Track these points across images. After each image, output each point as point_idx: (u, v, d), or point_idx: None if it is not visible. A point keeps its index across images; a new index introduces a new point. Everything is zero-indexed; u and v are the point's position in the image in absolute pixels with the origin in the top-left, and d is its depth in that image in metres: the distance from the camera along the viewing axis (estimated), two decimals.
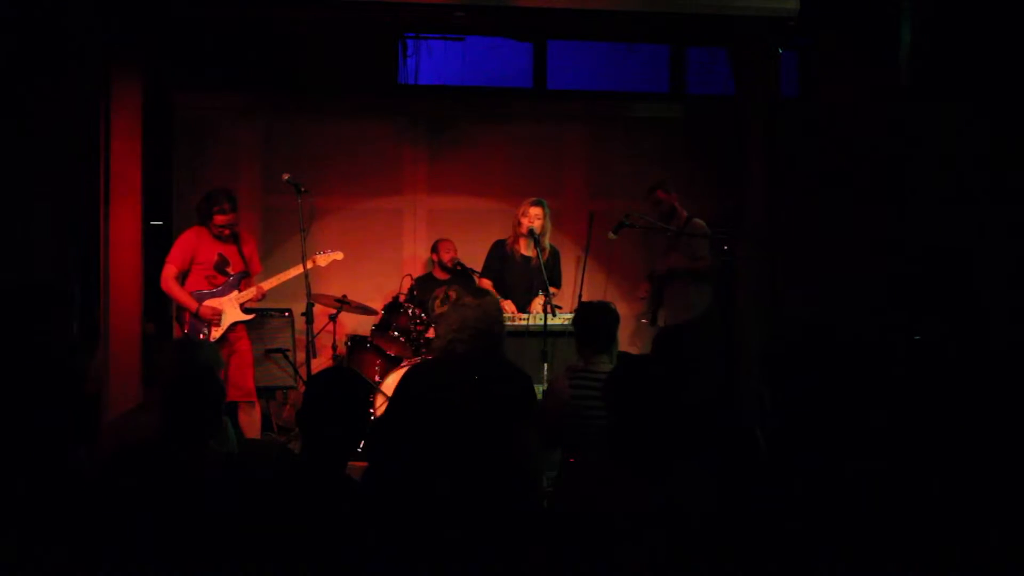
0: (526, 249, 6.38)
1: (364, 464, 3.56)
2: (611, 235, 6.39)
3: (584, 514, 2.80)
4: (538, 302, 6.12)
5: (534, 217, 6.26)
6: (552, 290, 6.12)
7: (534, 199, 6.35)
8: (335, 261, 6.44)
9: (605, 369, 4.28)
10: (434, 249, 7.48)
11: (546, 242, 6.36)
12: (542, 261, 6.16)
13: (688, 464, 2.87)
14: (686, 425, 3.03)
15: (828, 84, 6.30)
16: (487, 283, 6.50)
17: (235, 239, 6.07)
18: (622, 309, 7.05)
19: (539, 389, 5.62)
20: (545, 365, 5.63)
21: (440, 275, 7.36)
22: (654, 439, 2.87)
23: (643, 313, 6.88)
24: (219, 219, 5.92)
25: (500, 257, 6.48)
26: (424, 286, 7.29)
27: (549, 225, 6.36)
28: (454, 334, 4.10)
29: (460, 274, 7.25)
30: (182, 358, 4.01)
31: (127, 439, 3.44)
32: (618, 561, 2.69)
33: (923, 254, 5.56)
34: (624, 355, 6.79)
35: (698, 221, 6.63)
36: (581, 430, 4.17)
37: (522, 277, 6.38)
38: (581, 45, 8.59)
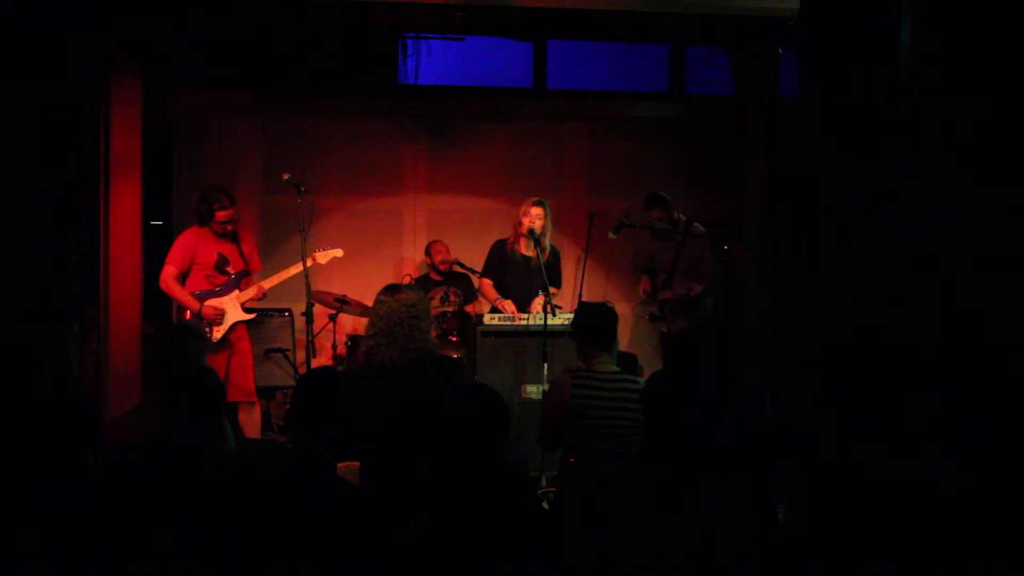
0: (526, 249, 6.38)
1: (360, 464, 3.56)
2: (611, 235, 6.39)
3: (603, 520, 2.78)
4: (538, 302, 6.11)
5: (535, 217, 6.25)
6: (552, 290, 6.12)
7: (535, 199, 6.35)
8: (335, 258, 6.44)
9: (606, 370, 4.28)
10: (427, 252, 7.48)
11: (546, 242, 6.36)
12: (542, 261, 6.16)
13: (725, 478, 2.83)
14: (724, 434, 3.01)
15: (828, 84, 6.29)
16: (487, 283, 6.50)
17: (234, 238, 6.07)
18: (622, 309, 7.06)
19: (539, 389, 5.65)
20: (545, 365, 5.63)
21: (435, 277, 7.36)
22: (693, 448, 2.84)
23: (646, 307, 6.86)
24: (220, 215, 5.93)
25: (500, 257, 6.48)
26: (420, 288, 7.28)
27: (550, 225, 6.36)
28: (372, 338, 4.18)
29: (455, 275, 7.26)
30: (171, 342, 4.03)
31: (126, 440, 3.43)
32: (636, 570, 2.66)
33: (923, 254, 5.56)
34: (624, 354, 6.81)
35: (697, 224, 6.64)
36: (583, 431, 4.17)
37: (522, 277, 6.38)
38: (581, 45, 8.59)
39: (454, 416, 2.94)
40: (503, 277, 6.45)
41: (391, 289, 4.37)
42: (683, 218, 6.68)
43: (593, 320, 4.43)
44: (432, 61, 8.26)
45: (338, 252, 6.43)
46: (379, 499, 2.90)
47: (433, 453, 3.07)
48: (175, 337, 4.18)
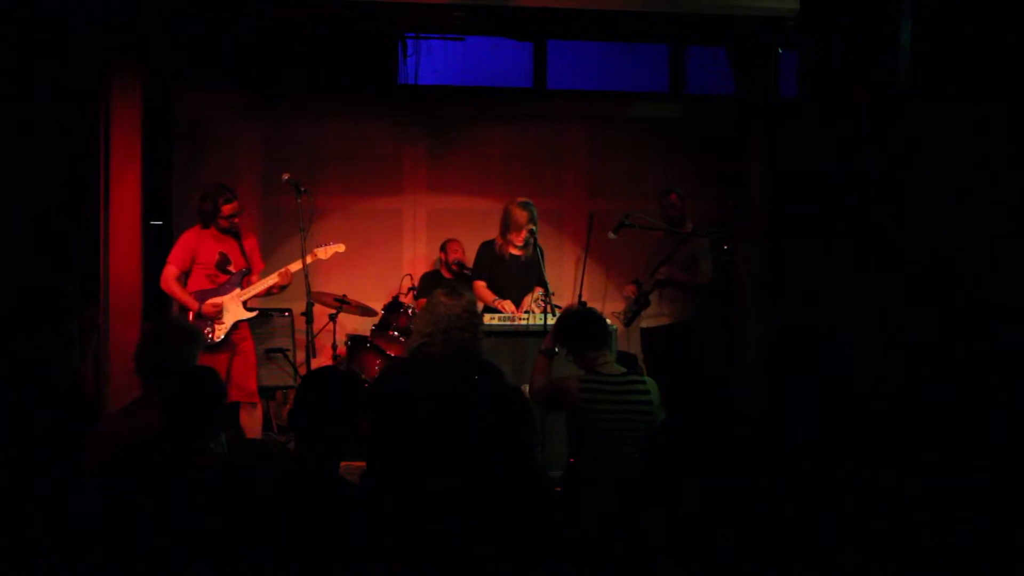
0: (515, 248, 6.36)
1: (362, 464, 3.56)
2: (611, 235, 6.39)
3: (616, 520, 2.77)
4: (536, 296, 6.11)
5: (530, 220, 6.23)
6: (539, 289, 6.10)
7: (521, 201, 6.27)
8: (337, 254, 6.42)
9: (614, 371, 4.26)
10: (442, 248, 7.50)
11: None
12: (540, 259, 6.15)
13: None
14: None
15: (828, 84, 6.29)
16: (481, 284, 6.46)
17: (236, 236, 6.07)
18: (621, 308, 7.09)
19: None
20: None
21: (446, 275, 7.37)
22: (711, 444, 2.83)
23: (624, 312, 6.88)
24: (227, 209, 5.94)
25: (491, 258, 6.45)
26: (428, 284, 7.29)
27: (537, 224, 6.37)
28: (427, 336, 4.18)
29: (464, 276, 7.25)
30: (155, 339, 4.02)
31: (118, 436, 3.42)
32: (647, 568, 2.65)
33: (923, 254, 5.56)
34: (624, 354, 6.80)
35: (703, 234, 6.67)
36: (588, 433, 4.16)
37: (515, 276, 6.36)
38: (581, 45, 8.59)
39: (478, 415, 2.95)
40: (495, 278, 6.43)
41: (453, 292, 4.36)
42: (692, 225, 6.71)
43: (578, 320, 4.42)
44: (432, 61, 8.26)
45: (340, 247, 6.39)
46: (388, 497, 2.89)
47: (456, 451, 3.07)
48: (159, 334, 4.16)
